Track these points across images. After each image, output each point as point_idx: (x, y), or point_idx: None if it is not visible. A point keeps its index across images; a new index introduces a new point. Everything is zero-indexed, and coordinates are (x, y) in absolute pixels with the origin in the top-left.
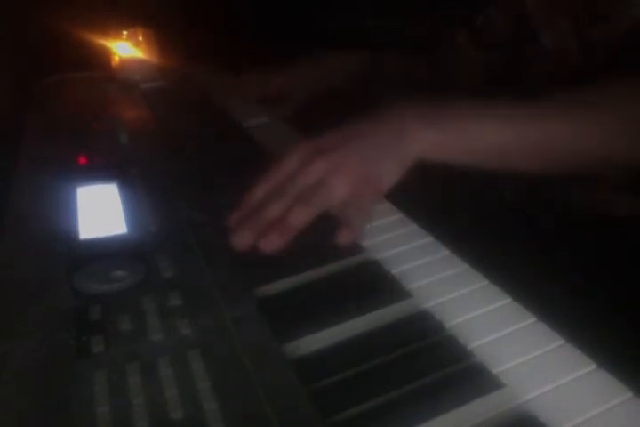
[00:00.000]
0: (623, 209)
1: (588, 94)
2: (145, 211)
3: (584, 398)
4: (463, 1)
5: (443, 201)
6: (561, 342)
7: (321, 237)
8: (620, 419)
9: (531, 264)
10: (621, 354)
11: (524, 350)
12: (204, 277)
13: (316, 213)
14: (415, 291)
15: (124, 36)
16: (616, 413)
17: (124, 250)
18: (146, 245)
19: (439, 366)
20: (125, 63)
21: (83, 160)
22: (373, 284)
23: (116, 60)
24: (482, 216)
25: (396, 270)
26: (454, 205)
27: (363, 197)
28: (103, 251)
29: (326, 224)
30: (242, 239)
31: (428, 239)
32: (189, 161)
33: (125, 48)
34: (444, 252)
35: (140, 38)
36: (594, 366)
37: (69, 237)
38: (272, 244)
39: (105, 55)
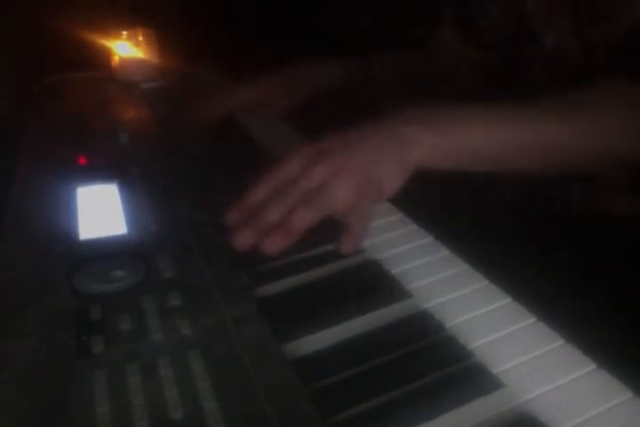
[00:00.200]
0: (623, 209)
1: (587, 94)
2: (145, 211)
3: (584, 398)
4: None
5: (442, 201)
6: (561, 342)
7: (321, 238)
8: (619, 419)
9: (531, 264)
10: (621, 354)
11: (524, 350)
12: (204, 277)
13: (319, 216)
14: (415, 291)
15: (124, 36)
16: (616, 413)
17: (124, 250)
18: (146, 245)
19: (439, 366)
20: (125, 63)
21: (83, 160)
22: (373, 284)
23: (115, 60)
24: (482, 216)
25: (395, 270)
26: (454, 205)
27: (365, 201)
28: (103, 251)
29: (326, 225)
30: (243, 240)
31: (428, 239)
32: (189, 161)
33: (125, 48)
34: (444, 252)
35: (140, 38)
36: (594, 366)
37: (69, 237)
38: (275, 245)
39: (105, 55)
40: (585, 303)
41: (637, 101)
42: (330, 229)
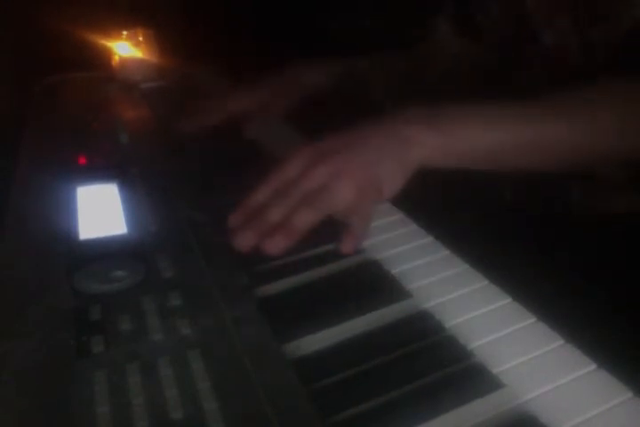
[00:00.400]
0: (623, 208)
1: (586, 93)
2: (145, 211)
3: (584, 398)
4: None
5: (443, 201)
6: (561, 342)
7: (321, 238)
8: (619, 419)
9: (531, 264)
10: (621, 354)
11: (524, 350)
12: (204, 277)
13: (320, 217)
14: (415, 291)
15: (124, 36)
16: (616, 413)
17: (124, 250)
18: (146, 245)
19: (439, 366)
20: (125, 63)
21: (83, 160)
22: (373, 284)
23: (116, 60)
24: (482, 216)
25: (395, 270)
26: (454, 205)
27: (365, 202)
28: (103, 251)
29: (326, 225)
30: (244, 240)
31: (428, 239)
32: (189, 161)
33: (125, 48)
34: (444, 252)
35: (140, 38)
36: (594, 366)
37: (69, 237)
38: (276, 245)
39: (105, 55)
40: (585, 303)
41: (637, 100)
42: (330, 229)
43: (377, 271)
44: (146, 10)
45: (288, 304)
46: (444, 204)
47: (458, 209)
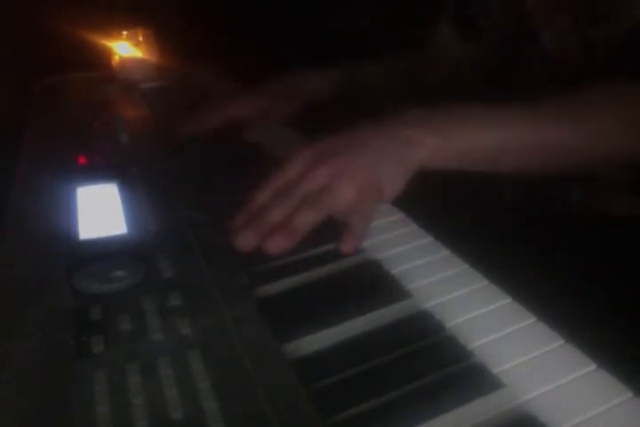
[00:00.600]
0: (623, 209)
1: (587, 94)
2: (145, 211)
3: (584, 398)
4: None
5: (443, 201)
6: (561, 342)
7: (321, 238)
8: (620, 419)
9: (531, 264)
10: (621, 354)
11: (524, 350)
12: (204, 277)
13: (321, 218)
14: (415, 291)
15: (124, 36)
16: (616, 413)
17: (124, 250)
18: (146, 245)
19: (439, 366)
20: (125, 63)
21: (83, 160)
22: (373, 284)
23: (116, 60)
24: (482, 216)
25: (395, 270)
26: (454, 206)
27: (366, 203)
28: (103, 251)
29: (326, 225)
30: (245, 240)
31: (428, 239)
32: (189, 161)
33: (125, 48)
34: (444, 252)
35: (140, 38)
36: (594, 366)
37: (69, 237)
38: (278, 245)
39: (105, 55)
40: (585, 303)
41: (637, 101)
42: (330, 229)
43: (377, 271)
44: (146, 10)
45: (288, 304)
46: (445, 204)
47: (458, 209)
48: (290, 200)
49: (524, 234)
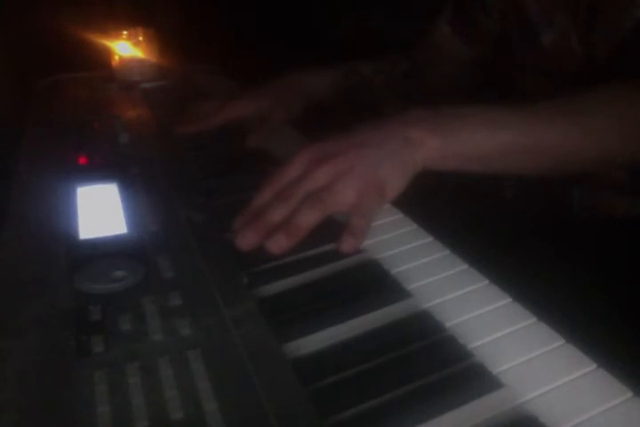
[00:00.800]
0: (623, 209)
1: (587, 95)
2: (145, 211)
3: (584, 398)
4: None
5: (442, 201)
6: (561, 342)
7: (321, 238)
8: (620, 419)
9: (531, 264)
10: (621, 354)
11: (524, 350)
12: (204, 277)
13: (323, 217)
14: (415, 291)
15: (124, 36)
16: (616, 413)
17: (124, 250)
18: (146, 245)
19: (439, 366)
20: (125, 63)
21: (83, 160)
22: (373, 284)
23: (116, 60)
24: (482, 216)
25: (395, 270)
26: (454, 205)
27: (368, 203)
28: (103, 251)
29: (326, 225)
30: (247, 240)
31: (428, 239)
32: (189, 161)
33: (125, 48)
34: (444, 252)
35: (140, 38)
36: (594, 366)
37: (69, 237)
38: (279, 245)
39: (105, 55)
40: (585, 303)
41: (637, 102)
42: (330, 229)
43: (377, 271)
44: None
45: (288, 304)
46: (445, 204)
47: (458, 209)
48: (291, 200)
49: (524, 234)
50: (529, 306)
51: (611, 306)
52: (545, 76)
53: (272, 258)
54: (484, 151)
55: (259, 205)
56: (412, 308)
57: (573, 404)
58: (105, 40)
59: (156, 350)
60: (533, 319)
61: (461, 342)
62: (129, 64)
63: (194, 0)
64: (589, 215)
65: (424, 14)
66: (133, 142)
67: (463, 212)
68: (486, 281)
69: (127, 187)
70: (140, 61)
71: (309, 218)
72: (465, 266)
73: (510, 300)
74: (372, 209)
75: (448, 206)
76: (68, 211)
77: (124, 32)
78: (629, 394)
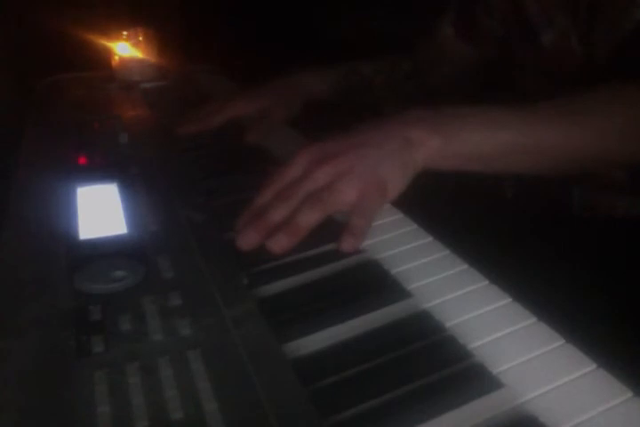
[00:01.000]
0: (623, 209)
1: (588, 95)
2: (145, 211)
3: (584, 398)
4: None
5: (443, 201)
6: (561, 342)
7: (321, 238)
8: (619, 419)
9: (531, 264)
10: (621, 354)
11: (524, 350)
12: (204, 277)
13: (323, 217)
14: (415, 291)
15: (124, 36)
16: (616, 413)
17: (123, 250)
18: (146, 245)
19: (439, 366)
20: (125, 63)
21: (83, 160)
22: (373, 284)
23: (116, 60)
24: (482, 216)
25: (395, 270)
26: (454, 205)
27: (368, 203)
28: (103, 251)
29: (326, 225)
30: (247, 240)
31: (428, 239)
32: (189, 161)
33: (125, 48)
34: (444, 252)
35: (140, 38)
36: (594, 366)
37: (69, 237)
38: (280, 244)
39: (105, 55)
40: (585, 303)
41: (637, 102)
42: (330, 229)
43: (377, 271)
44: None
45: (288, 304)
46: (445, 204)
47: (458, 209)
48: (292, 200)
49: (524, 234)
50: (529, 306)
51: (611, 306)
52: (545, 76)
53: (272, 258)
54: (484, 151)
55: (259, 205)
56: (412, 308)
57: (573, 404)
58: (105, 40)
59: (156, 350)
60: (533, 319)
61: (461, 342)
62: (129, 64)
63: (194, 0)
64: (589, 215)
65: (424, 14)
66: (133, 142)
67: (463, 212)
68: (486, 281)
69: (127, 187)
70: (140, 61)
71: (310, 218)
72: (465, 266)
73: (510, 300)
74: (372, 209)
75: (448, 206)
76: (67, 211)
77: (124, 32)
78: (629, 394)
